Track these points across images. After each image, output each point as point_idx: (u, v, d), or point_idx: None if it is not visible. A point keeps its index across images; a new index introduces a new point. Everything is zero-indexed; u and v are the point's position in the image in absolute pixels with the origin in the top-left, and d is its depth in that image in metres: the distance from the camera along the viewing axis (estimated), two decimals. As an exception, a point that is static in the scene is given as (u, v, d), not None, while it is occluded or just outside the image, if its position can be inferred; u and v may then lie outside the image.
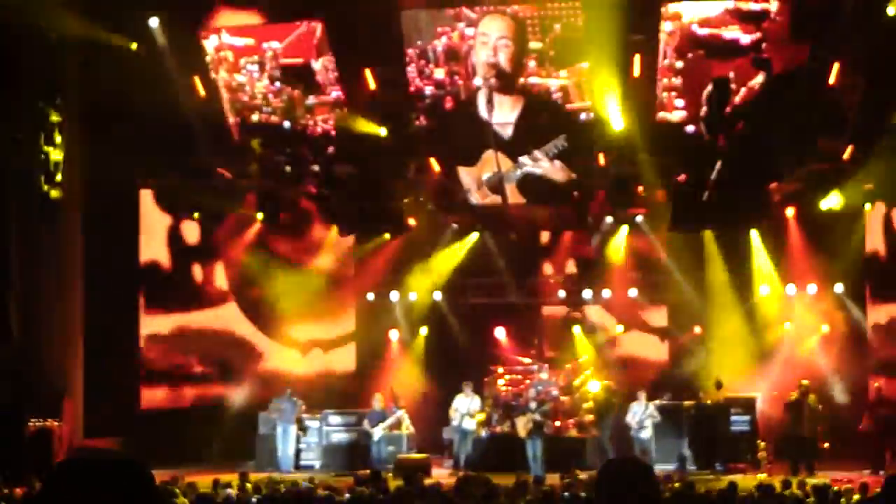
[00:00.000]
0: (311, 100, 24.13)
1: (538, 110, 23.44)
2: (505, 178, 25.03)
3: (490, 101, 23.27)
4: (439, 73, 23.09)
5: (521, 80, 23.23)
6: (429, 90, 23.32)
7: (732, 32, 22.10)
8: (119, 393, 27.47)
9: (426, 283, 30.50)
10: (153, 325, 29.12)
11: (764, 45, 22.24)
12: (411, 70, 23.05)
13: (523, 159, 24.56)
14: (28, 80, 24.49)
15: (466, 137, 24.41)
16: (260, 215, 28.19)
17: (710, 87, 23.36)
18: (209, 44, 23.70)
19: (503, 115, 23.57)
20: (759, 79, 22.56)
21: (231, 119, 24.36)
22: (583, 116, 23.71)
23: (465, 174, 25.78)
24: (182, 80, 25.07)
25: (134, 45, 24.66)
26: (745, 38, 22.05)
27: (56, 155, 25.27)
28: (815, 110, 23.09)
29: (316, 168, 26.67)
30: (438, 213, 28.01)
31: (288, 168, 26.65)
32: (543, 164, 24.65)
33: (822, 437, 25.39)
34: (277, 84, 23.69)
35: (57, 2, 23.09)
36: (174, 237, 29.53)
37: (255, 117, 24.15)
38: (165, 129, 25.30)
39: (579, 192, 26.07)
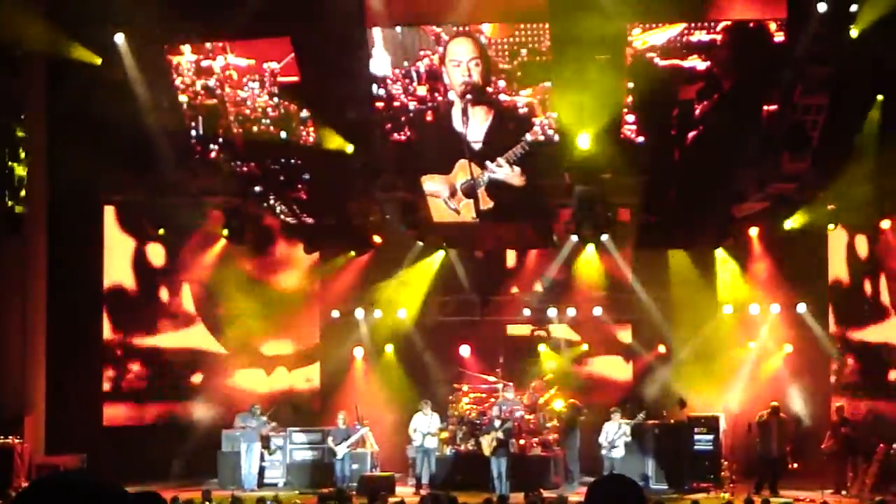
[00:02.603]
0: (305, 113, 25.20)
1: (506, 120, 24.09)
2: (476, 185, 25.54)
3: (465, 114, 24.03)
4: (421, 90, 23.90)
5: (491, 91, 23.74)
6: (412, 105, 24.18)
7: (691, 61, 22.65)
8: (82, 410, 27.32)
9: (391, 300, 30.52)
10: (117, 342, 28.99)
11: (715, 70, 22.68)
12: (397, 88, 23.84)
13: (490, 165, 25.08)
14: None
15: (443, 147, 25.05)
16: (225, 232, 28.09)
17: (676, 111, 23.63)
18: (216, 64, 24.70)
19: (476, 124, 24.35)
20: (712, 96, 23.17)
21: (235, 130, 25.44)
22: (547, 131, 23.94)
23: (439, 183, 26.09)
24: (147, 96, 25.06)
25: (98, 61, 24.60)
26: (702, 66, 22.60)
27: (20, 170, 25.18)
28: (778, 132, 23.25)
29: (283, 187, 26.81)
30: (404, 230, 28.01)
31: (258, 188, 26.82)
32: (506, 170, 25.04)
33: (790, 457, 25.49)
34: (275, 99, 24.98)
35: (22, 17, 23.01)
36: (139, 258, 29.42)
37: (255, 128, 25.25)
38: (131, 145, 25.26)
39: (543, 198, 26.21)
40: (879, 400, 27.50)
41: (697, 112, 23.43)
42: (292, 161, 26.05)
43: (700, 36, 22.46)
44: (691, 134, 23.86)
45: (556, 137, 24.03)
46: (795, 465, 25.48)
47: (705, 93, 23.09)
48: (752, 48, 22.34)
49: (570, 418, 26.65)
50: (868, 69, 22.70)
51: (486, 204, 26.00)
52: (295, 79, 24.40)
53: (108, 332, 28.75)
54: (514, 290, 31.02)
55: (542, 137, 24.08)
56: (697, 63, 22.72)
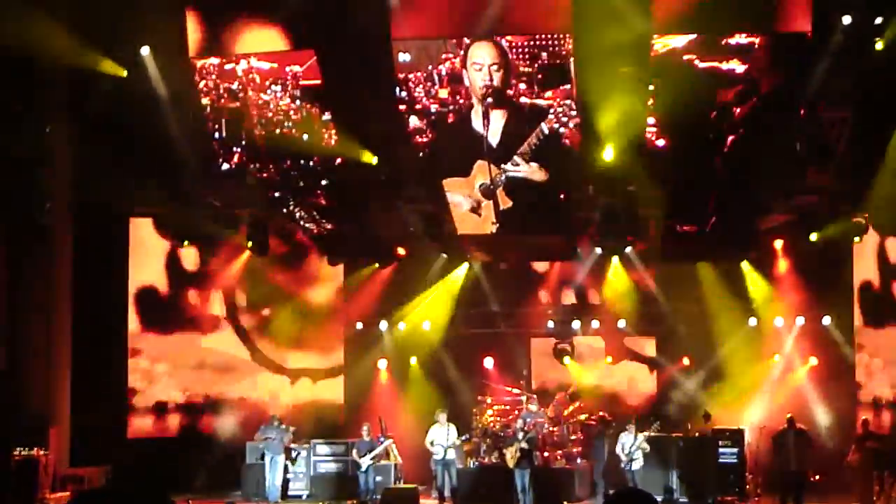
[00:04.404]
0: (327, 116, 25.12)
1: (523, 116, 24.13)
2: (493, 185, 25.50)
3: (486, 117, 24.13)
4: (443, 93, 24.00)
5: (512, 94, 23.76)
6: (434, 108, 24.32)
7: (730, 64, 22.55)
8: (106, 421, 27.40)
9: (415, 312, 30.54)
10: (142, 352, 29.09)
11: (753, 74, 22.58)
12: (419, 91, 23.86)
13: (508, 164, 25.01)
14: (19, 106, 24.48)
15: (463, 149, 25.04)
16: (249, 244, 28.13)
17: (714, 113, 23.48)
18: (239, 68, 24.76)
19: (496, 126, 24.39)
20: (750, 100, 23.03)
21: (257, 133, 25.50)
22: (562, 118, 23.82)
23: (458, 190, 26.08)
24: (173, 107, 25.13)
25: (124, 73, 24.66)
26: (740, 68, 22.49)
27: (46, 182, 25.26)
28: (803, 143, 23.15)
29: (306, 193, 26.85)
30: (428, 242, 28.01)
31: (277, 193, 26.84)
32: (524, 168, 24.95)
33: (809, 470, 25.27)
34: (298, 102, 25.02)
35: (47, 30, 23.10)
36: (171, 263, 29.60)
37: (277, 131, 25.32)
38: (156, 157, 25.33)
39: (564, 193, 26.05)
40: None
41: (737, 115, 23.29)
42: (311, 164, 26.09)
43: (738, 38, 22.37)
44: (730, 138, 23.73)
45: (572, 124, 23.90)
46: (817, 478, 25.26)
47: (745, 96, 22.97)
48: (790, 52, 22.24)
49: (599, 431, 26.58)
50: (893, 82, 22.57)
51: (506, 204, 26.00)
52: (317, 82, 24.51)
53: (135, 342, 28.92)
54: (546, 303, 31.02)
55: (557, 125, 23.99)
56: (736, 66, 22.63)
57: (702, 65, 22.60)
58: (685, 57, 22.48)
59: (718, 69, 22.65)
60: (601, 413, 27.22)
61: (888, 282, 28.43)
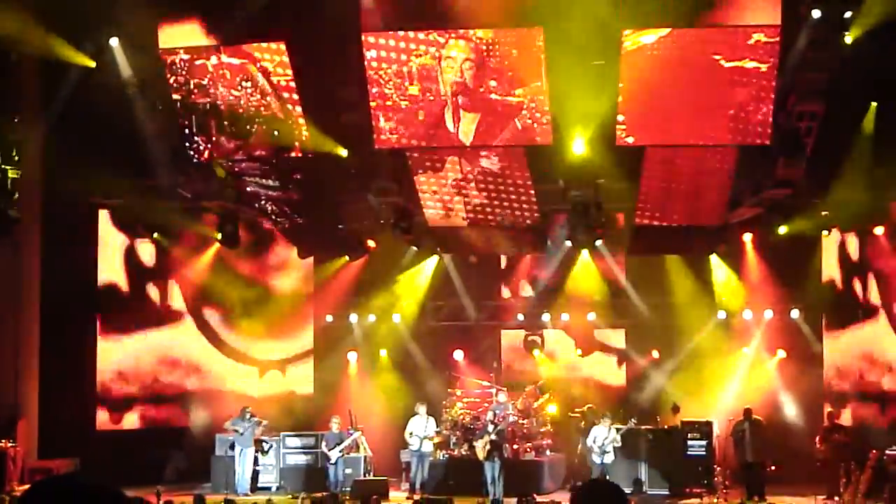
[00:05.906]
0: (298, 110, 24.87)
1: (495, 113, 24.04)
2: (465, 180, 25.54)
3: (457, 114, 24.01)
4: (413, 90, 23.85)
5: (483, 91, 23.73)
6: (404, 104, 24.01)
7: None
8: (74, 414, 27.29)
9: (385, 305, 30.55)
10: (109, 344, 28.95)
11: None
12: (389, 87, 23.72)
13: (479, 161, 25.02)
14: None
15: (434, 145, 24.94)
16: (219, 236, 28.04)
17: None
18: (209, 63, 24.55)
19: (466, 124, 24.29)
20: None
21: (228, 129, 25.39)
22: (535, 114, 23.80)
23: (431, 188, 26.09)
24: (142, 99, 25.03)
25: (93, 64, 24.55)
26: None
27: (13, 174, 25.12)
28: (774, 137, 23.20)
29: (276, 187, 26.78)
30: (398, 235, 28.01)
31: (249, 189, 26.75)
32: (494, 160, 24.98)
33: (766, 459, 25.33)
34: (268, 99, 24.83)
35: (16, 20, 22.97)
36: (131, 257, 29.42)
37: (248, 127, 25.30)
38: (126, 148, 25.21)
39: (533, 187, 26.07)
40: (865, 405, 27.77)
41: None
42: (282, 158, 26.01)
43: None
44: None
45: (543, 118, 23.88)
46: (773, 468, 25.34)
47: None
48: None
49: (589, 423, 26.73)
50: (862, 76, 22.67)
51: (477, 198, 26.02)
52: (288, 78, 24.42)
53: (100, 332, 28.78)
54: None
55: (529, 121, 23.97)
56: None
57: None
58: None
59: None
60: (589, 405, 27.37)
61: (850, 280, 28.59)
